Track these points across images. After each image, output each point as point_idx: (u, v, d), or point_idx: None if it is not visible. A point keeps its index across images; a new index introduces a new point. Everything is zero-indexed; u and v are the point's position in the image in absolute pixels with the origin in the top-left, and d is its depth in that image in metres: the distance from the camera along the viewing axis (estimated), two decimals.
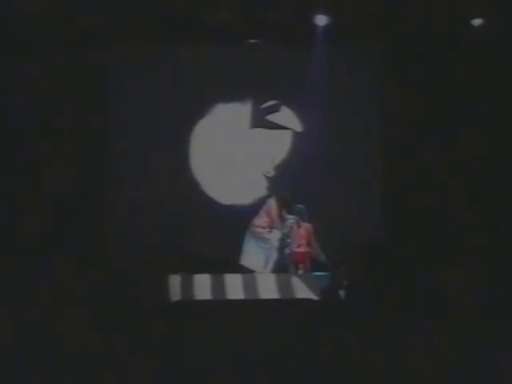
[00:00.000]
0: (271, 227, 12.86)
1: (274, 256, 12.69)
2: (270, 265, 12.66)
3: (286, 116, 14.09)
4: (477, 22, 13.13)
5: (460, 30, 13.15)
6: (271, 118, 14.06)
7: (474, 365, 6.15)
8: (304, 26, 13.23)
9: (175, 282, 11.79)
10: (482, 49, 13.07)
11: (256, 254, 12.75)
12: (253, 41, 13.86)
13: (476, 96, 13.19)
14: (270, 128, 14.08)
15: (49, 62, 12.68)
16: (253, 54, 13.87)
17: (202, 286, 11.87)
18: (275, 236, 12.79)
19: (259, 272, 12.52)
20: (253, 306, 10.76)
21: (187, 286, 11.84)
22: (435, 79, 13.37)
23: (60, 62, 12.80)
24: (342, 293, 10.70)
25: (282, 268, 12.58)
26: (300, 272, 12.48)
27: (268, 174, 13.71)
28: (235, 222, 13.14)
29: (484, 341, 6.33)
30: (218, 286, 11.89)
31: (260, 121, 14.07)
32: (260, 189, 14.03)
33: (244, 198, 13.98)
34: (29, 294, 8.96)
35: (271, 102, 14.03)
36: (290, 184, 13.45)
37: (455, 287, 9.02)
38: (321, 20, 13.29)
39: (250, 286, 11.97)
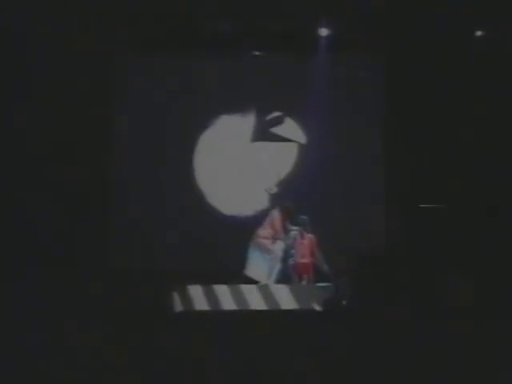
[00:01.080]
0: (275, 238, 12.88)
1: (278, 267, 12.71)
2: (274, 275, 12.67)
3: (289, 128, 14.15)
4: (478, 31, 13.23)
5: (460, 40, 13.24)
6: (275, 130, 14.12)
7: (474, 366, 6.19)
8: (306, 37, 13.33)
9: (178, 292, 11.83)
10: (482, 56, 13.16)
11: (260, 265, 12.76)
12: (256, 52, 13.95)
13: (476, 103, 13.26)
14: (274, 141, 14.14)
15: (57, 74, 12.80)
16: (256, 65, 13.95)
17: (205, 296, 11.91)
18: (279, 247, 12.81)
19: (263, 282, 12.54)
20: (257, 316, 10.82)
21: (191, 296, 11.88)
22: (436, 89, 13.45)
23: (67, 74, 12.90)
24: (344, 302, 10.75)
25: (285, 278, 12.59)
26: (303, 282, 12.49)
27: (270, 191, 13.67)
28: (239, 233, 13.17)
29: (484, 343, 6.37)
30: (222, 297, 11.93)
31: (264, 134, 14.13)
32: (264, 200, 14.07)
33: (248, 209, 14.01)
34: (33, 296, 9.04)
35: (275, 114, 14.09)
36: (293, 195, 13.53)
37: (455, 293, 9.05)
38: (322, 31, 13.39)
39: (253, 296, 12.01)
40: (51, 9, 12.22)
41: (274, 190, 13.68)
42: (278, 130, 14.13)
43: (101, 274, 12.15)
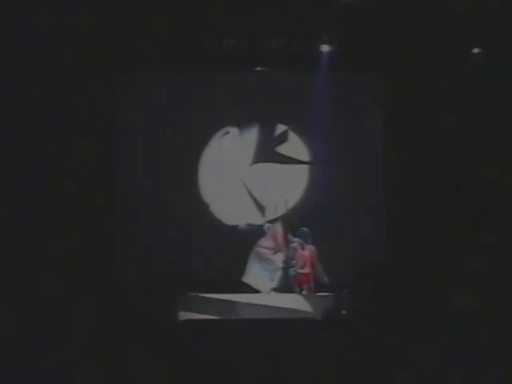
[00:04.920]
0: (276, 250, 13.02)
1: (278, 277, 12.86)
2: (274, 285, 12.82)
3: (294, 146, 14.23)
4: (476, 46, 13.37)
5: (459, 55, 13.37)
6: (280, 149, 14.23)
7: (473, 379, 6.30)
8: (307, 53, 13.48)
9: (183, 301, 11.96)
10: (480, 70, 13.27)
11: (260, 274, 12.91)
12: (257, 68, 14.09)
13: (475, 115, 13.37)
14: (278, 162, 14.23)
15: (60, 90, 12.91)
16: (259, 80, 14.09)
17: (208, 305, 12.05)
18: (279, 258, 12.97)
19: (264, 292, 12.68)
20: (258, 326, 10.93)
21: (194, 305, 12.01)
22: (435, 103, 13.55)
23: (70, 88, 13.01)
24: (344, 313, 10.89)
25: (286, 288, 12.75)
26: (304, 293, 12.64)
27: (267, 229, 13.72)
28: (241, 243, 13.32)
29: (483, 358, 6.45)
30: (223, 306, 12.07)
31: (268, 154, 14.23)
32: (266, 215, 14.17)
33: (250, 221, 14.12)
34: (41, 306, 9.13)
35: (279, 130, 14.18)
36: (295, 207, 13.72)
37: (454, 304, 9.17)
38: (325, 48, 13.53)
39: (255, 305, 12.14)
40: (52, 27, 12.33)
41: (269, 226, 13.69)
42: (282, 148, 14.23)
43: (101, 284, 12.24)
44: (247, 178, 14.23)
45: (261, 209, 14.12)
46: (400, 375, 6.41)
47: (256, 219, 14.11)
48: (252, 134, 14.30)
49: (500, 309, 8.70)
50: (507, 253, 12.39)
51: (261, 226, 13.69)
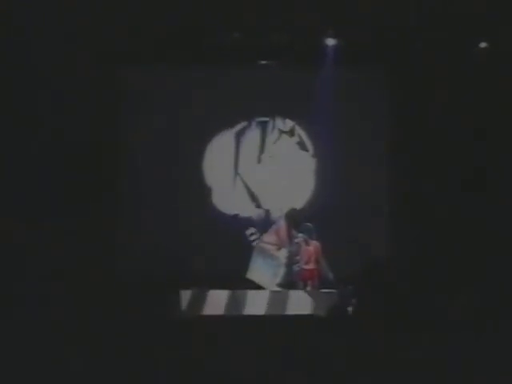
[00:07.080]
0: (280, 245, 13.02)
1: (282, 272, 12.85)
2: (278, 281, 12.81)
3: (296, 143, 14.24)
4: (478, 45, 13.35)
5: (462, 51, 13.36)
6: (282, 146, 14.24)
7: (472, 377, 6.29)
8: (309, 48, 13.49)
9: (185, 297, 11.99)
10: (483, 68, 13.27)
11: (263, 270, 12.90)
12: (261, 63, 14.08)
13: (478, 112, 13.37)
14: (282, 159, 14.25)
15: (60, 89, 12.95)
16: (261, 76, 14.07)
17: (210, 301, 12.06)
18: (283, 254, 12.95)
19: (267, 288, 12.68)
20: (261, 322, 10.94)
21: (197, 301, 12.03)
22: (437, 98, 13.55)
23: (70, 87, 13.05)
24: (348, 310, 10.86)
25: (290, 284, 12.74)
26: (308, 289, 12.63)
27: (251, 237, 13.73)
28: (244, 240, 13.36)
29: (483, 355, 6.43)
30: (226, 302, 12.08)
31: (271, 152, 14.24)
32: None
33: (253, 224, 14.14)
34: (41, 306, 9.16)
35: (281, 127, 14.20)
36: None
37: (455, 304, 9.16)
38: (327, 43, 13.52)
39: (258, 301, 12.15)
40: (52, 27, 12.37)
41: (255, 236, 13.70)
42: (285, 145, 14.24)
43: (101, 284, 12.28)
44: (251, 177, 14.23)
45: (265, 212, 14.12)
46: (403, 373, 6.40)
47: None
48: (254, 132, 14.30)
49: (500, 309, 8.70)
50: (508, 252, 12.42)
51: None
